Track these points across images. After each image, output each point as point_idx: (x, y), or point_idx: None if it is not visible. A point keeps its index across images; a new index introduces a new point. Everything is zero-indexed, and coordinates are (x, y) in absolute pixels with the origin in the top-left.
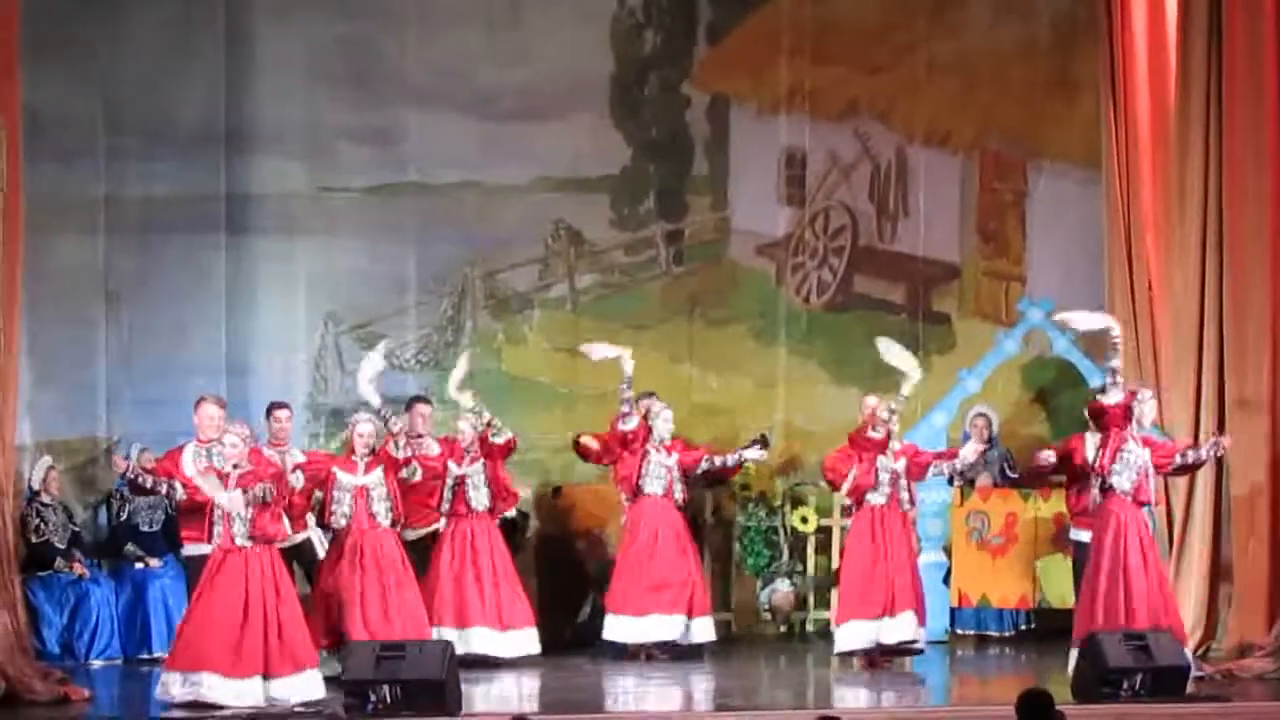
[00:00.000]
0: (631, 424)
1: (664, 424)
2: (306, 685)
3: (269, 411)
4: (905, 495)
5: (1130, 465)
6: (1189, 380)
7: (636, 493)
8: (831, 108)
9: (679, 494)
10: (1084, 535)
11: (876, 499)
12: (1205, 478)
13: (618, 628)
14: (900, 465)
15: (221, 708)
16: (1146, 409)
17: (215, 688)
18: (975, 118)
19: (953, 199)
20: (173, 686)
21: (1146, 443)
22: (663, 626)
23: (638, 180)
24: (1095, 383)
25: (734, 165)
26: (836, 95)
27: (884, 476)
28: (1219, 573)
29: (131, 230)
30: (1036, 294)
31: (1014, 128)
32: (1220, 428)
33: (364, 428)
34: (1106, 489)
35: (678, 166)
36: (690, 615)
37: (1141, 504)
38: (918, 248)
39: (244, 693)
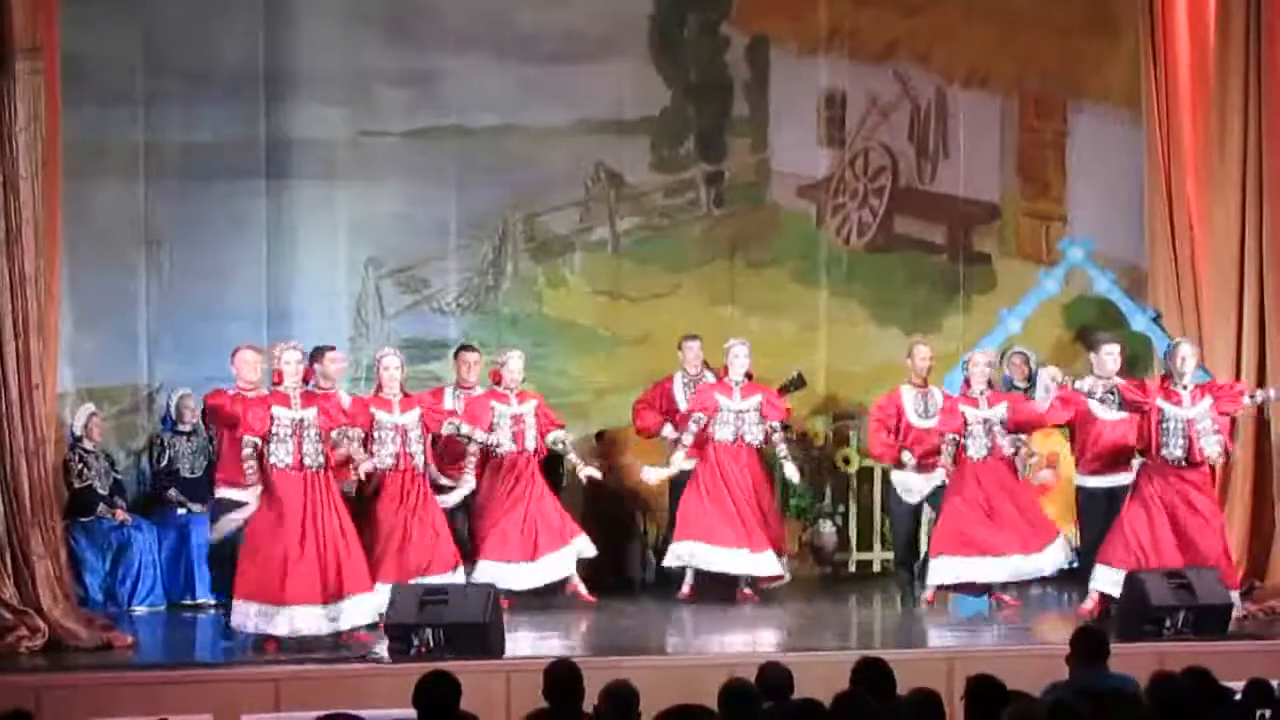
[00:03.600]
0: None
1: (738, 361)
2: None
3: (316, 354)
4: (1004, 442)
5: (1176, 432)
6: (1230, 317)
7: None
8: (871, 49)
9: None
10: (1089, 481)
11: (976, 453)
12: (1245, 417)
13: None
14: (995, 412)
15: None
16: (1185, 361)
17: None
18: (1015, 58)
19: (993, 139)
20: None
21: (1207, 390)
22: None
23: (678, 122)
24: (1136, 322)
25: (774, 107)
26: (876, 36)
27: (976, 429)
28: (1261, 511)
29: (172, 176)
30: (1077, 233)
31: (1054, 68)
32: (1261, 365)
33: (390, 361)
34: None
35: (718, 108)
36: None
37: (1196, 464)
38: (958, 188)
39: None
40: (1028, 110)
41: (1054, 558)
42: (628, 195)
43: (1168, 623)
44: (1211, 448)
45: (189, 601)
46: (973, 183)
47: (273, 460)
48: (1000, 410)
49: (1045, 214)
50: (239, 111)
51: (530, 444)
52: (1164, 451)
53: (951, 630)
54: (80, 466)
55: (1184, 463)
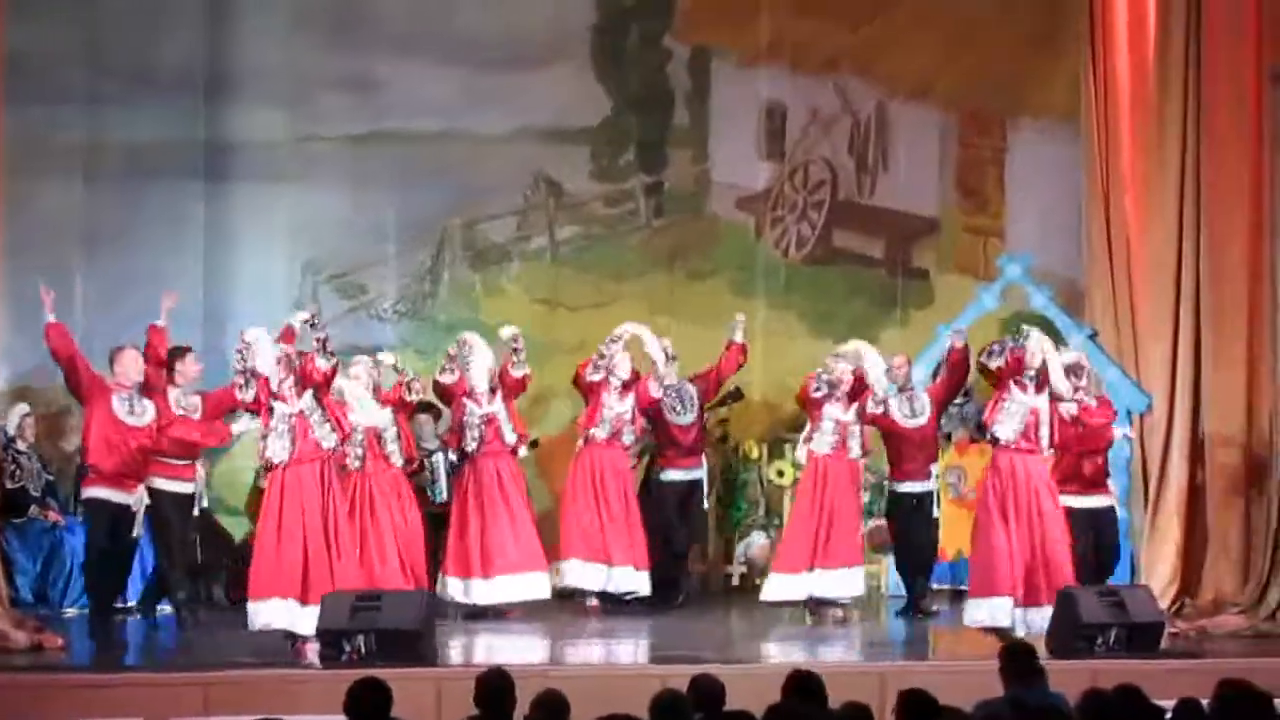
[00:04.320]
0: (597, 376)
1: (624, 363)
2: None
3: (176, 354)
4: (855, 443)
5: (1014, 415)
6: (1166, 335)
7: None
8: (812, 61)
9: (628, 437)
10: (1065, 501)
11: (820, 448)
12: (1180, 434)
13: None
14: (850, 413)
15: None
16: (1034, 355)
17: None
18: (956, 73)
19: (932, 154)
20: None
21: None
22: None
23: (618, 132)
24: (1073, 339)
25: (714, 118)
26: (817, 49)
27: (826, 424)
28: (1194, 529)
29: (111, 176)
30: (1015, 249)
31: (995, 84)
32: (1196, 383)
33: (356, 370)
34: (994, 441)
35: (658, 119)
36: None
37: (1030, 453)
38: (897, 202)
39: None
40: (968, 125)
41: (848, 584)
42: (567, 204)
43: (1099, 640)
44: (1044, 438)
45: (120, 604)
46: (912, 197)
47: (278, 458)
48: (853, 411)
49: (984, 229)
50: (179, 113)
51: (509, 438)
52: (997, 430)
53: (878, 645)
54: (13, 467)
55: (1020, 446)
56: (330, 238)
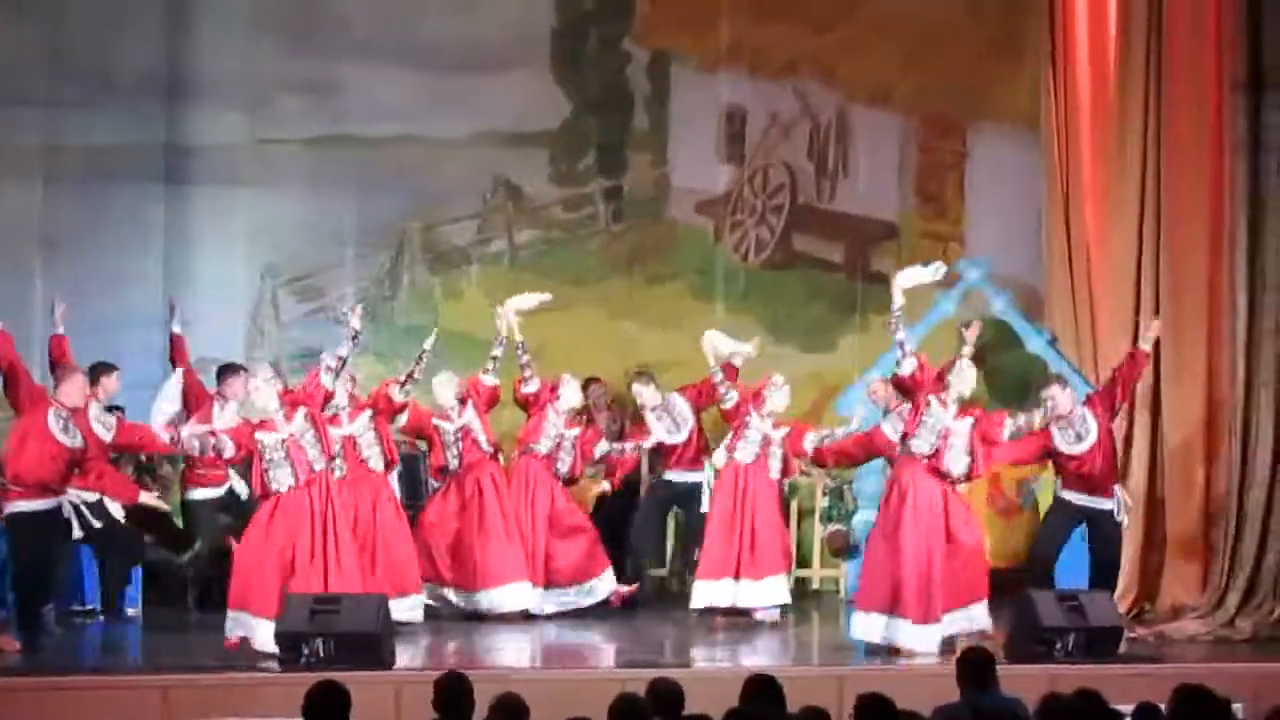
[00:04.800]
0: (533, 387)
1: (568, 391)
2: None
3: (97, 370)
4: (775, 463)
5: (931, 429)
6: (1126, 342)
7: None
8: (772, 65)
9: (562, 466)
10: (1065, 495)
11: (743, 457)
12: (1141, 441)
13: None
14: (778, 433)
15: None
16: (967, 381)
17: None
18: (917, 78)
19: (892, 159)
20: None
21: (970, 413)
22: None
23: (577, 136)
24: (1032, 344)
25: (674, 122)
26: (778, 53)
27: (752, 435)
28: (1153, 535)
29: (70, 179)
30: (975, 255)
31: (955, 89)
32: (1156, 390)
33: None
34: (907, 454)
35: (618, 122)
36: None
37: (940, 473)
38: (857, 207)
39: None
40: (928, 130)
41: (770, 594)
42: (526, 208)
43: (1058, 644)
44: (958, 465)
45: (78, 607)
46: (871, 202)
47: (285, 485)
48: (781, 431)
49: (943, 234)
50: (140, 116)
51: (486, 446)
52: (913, 442)
53: (835, 651)
54: None
55: (928, 460)
56: (289, 241)
